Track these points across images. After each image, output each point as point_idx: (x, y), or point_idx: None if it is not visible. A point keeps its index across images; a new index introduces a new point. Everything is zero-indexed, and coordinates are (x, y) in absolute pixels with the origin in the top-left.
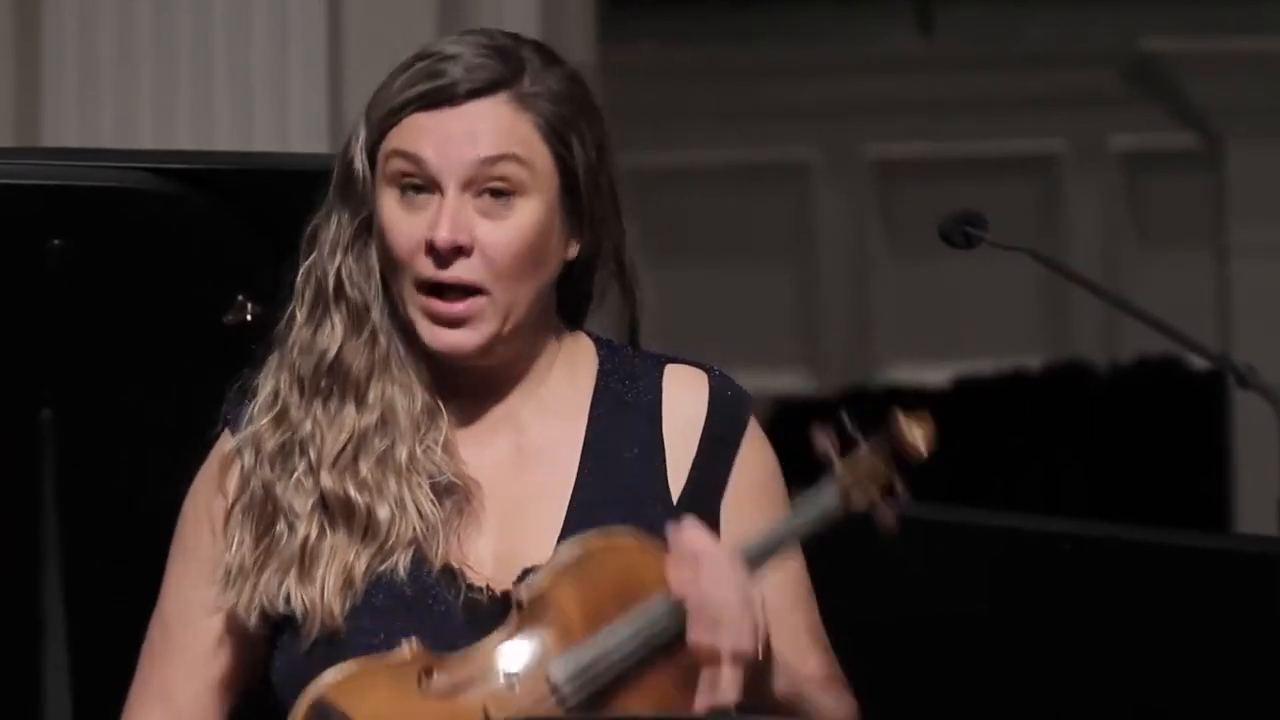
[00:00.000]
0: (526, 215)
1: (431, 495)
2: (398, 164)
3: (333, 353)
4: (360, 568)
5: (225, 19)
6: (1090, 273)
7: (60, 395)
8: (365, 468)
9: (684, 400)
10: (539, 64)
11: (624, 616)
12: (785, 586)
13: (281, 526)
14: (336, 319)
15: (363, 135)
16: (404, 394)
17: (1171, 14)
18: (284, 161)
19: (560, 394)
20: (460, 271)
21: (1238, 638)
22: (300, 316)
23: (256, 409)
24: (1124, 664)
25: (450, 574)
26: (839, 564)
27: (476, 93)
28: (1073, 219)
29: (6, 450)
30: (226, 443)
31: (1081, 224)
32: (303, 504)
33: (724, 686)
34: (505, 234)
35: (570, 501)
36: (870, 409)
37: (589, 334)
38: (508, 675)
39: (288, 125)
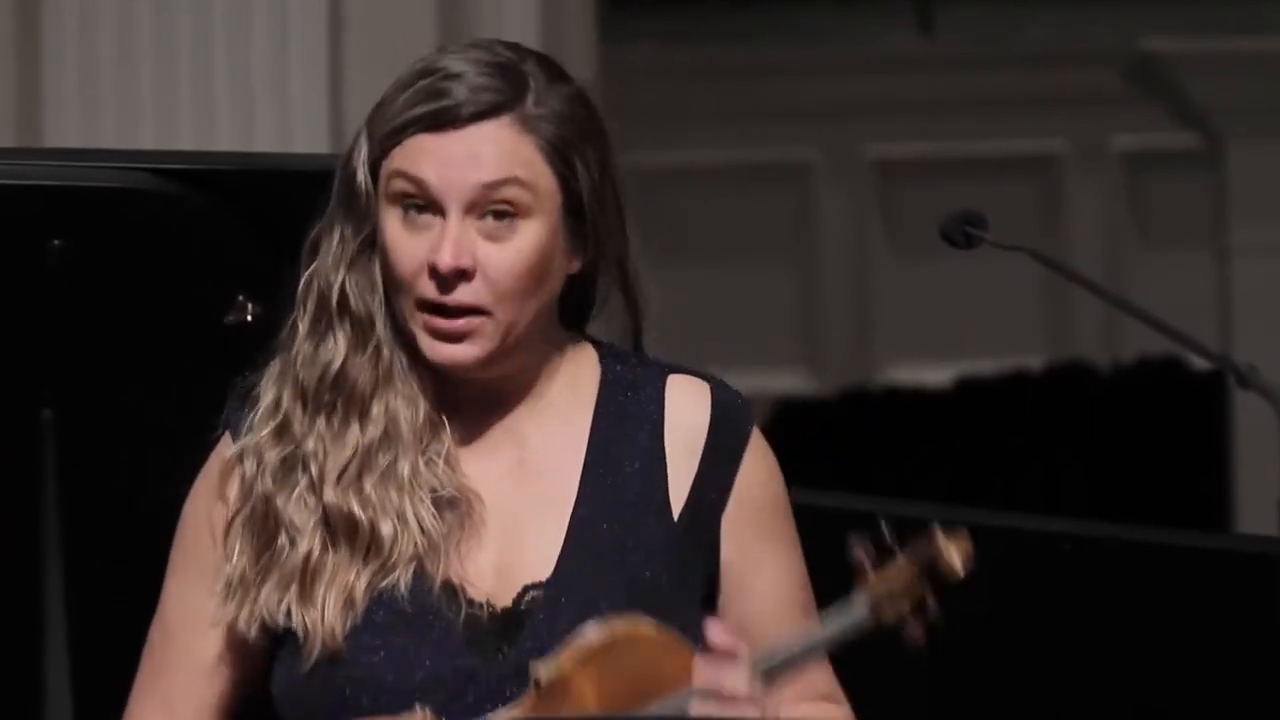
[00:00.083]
0: (529, 237)
1: (433, 509)
2: (400, 184)
3: (336, 367)
4: (361, 585)
5: (226, 19)
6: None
7: (61, 396)
8: (369, 484)
9: (686, 412)
10: (543, 81)
11: (640, 710)
12: (787, 596)
13: (283, 541)
14: (340, 333)
15: (365, 149)
16: (407, 405)
17: (1172, 14)
18: (284, 162)
19: (562, 405)
20: (463, 295)
21: (1238, 638)
22: (303, 328)
23: (258, 418)
24: (1124, 664)
25: (451, 590)
26: (839, 564)
27: (480, 115)
28: (1073, 219)
29: (7, 450)
30: (227, 448)
31: (1082, 224)
32: (304, 519)
33: None
34: (508, 256)
35: (571, 516)
36: (871, 409)
37: (591, 340)
38: None
39: (288, 125)
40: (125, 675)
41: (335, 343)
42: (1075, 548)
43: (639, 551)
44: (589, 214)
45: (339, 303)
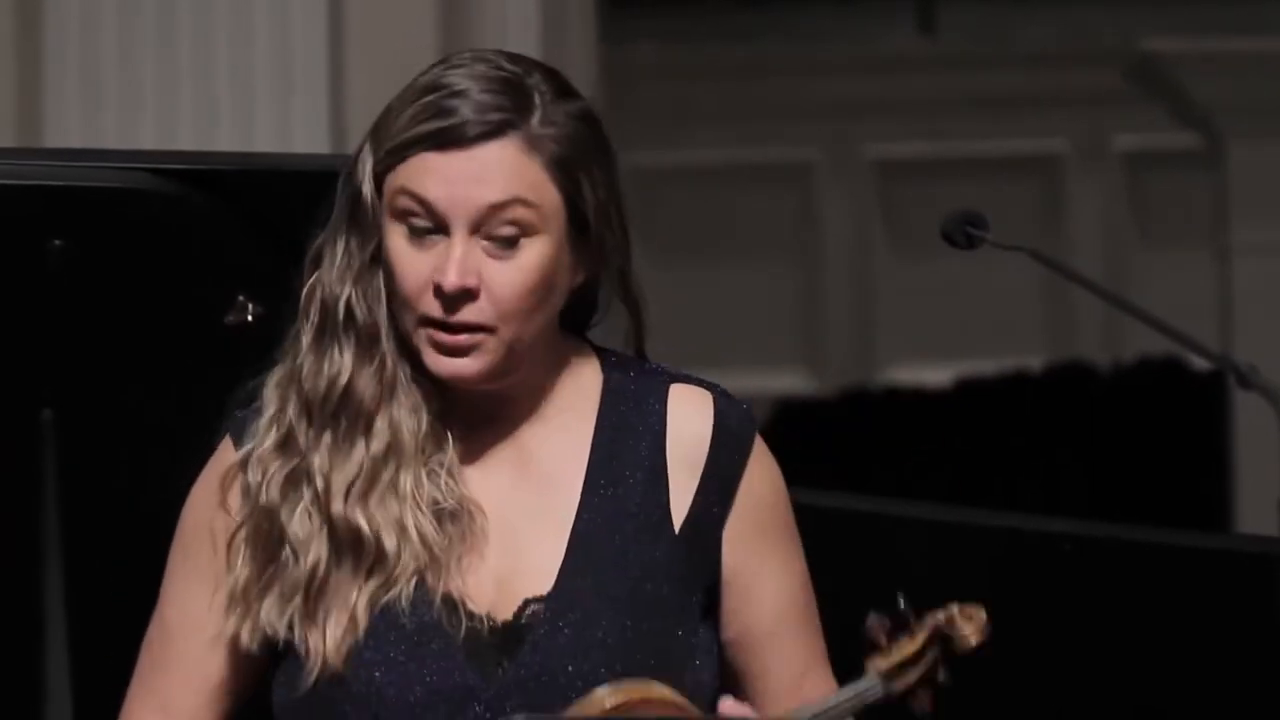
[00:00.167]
0: (534, 255)
1: (434, 522)
2: (404, 202)
3: (343, 382)
4: (365, 602)
5: (226, 19)
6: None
7: (61, 396)
8: (374, 499)
9: (688, 423)
10: (549, 97)
11: None
12: (789, 604)
13: (286, 555)
14: (346, 347)
15: (370, 162)
16: (411, 416)
17: (1173, 14)
18: (285, 162)
19: (564, 416)
20: (468, 315)
21: (1238, 638)
22: (306, 339)
23: (262, 429)
24: (1124, 664)
25: (451, 604)
26: (839, 564)
27: (486, 135)
28: (1074, 219)
29: (7, 450)
30: (228, 454)
31: (1083, 224)
32: (309, 534)
33: None
34: (513, 275)
35: (572, 528)
36: (871, 409)
37: (593, 346)
38: None
39: (289, 126)
40: (125, 675)
41: (341, 356)
42: (1075, 548)
43: (640, 564)
44: (594, 230)
45: (346, 316)
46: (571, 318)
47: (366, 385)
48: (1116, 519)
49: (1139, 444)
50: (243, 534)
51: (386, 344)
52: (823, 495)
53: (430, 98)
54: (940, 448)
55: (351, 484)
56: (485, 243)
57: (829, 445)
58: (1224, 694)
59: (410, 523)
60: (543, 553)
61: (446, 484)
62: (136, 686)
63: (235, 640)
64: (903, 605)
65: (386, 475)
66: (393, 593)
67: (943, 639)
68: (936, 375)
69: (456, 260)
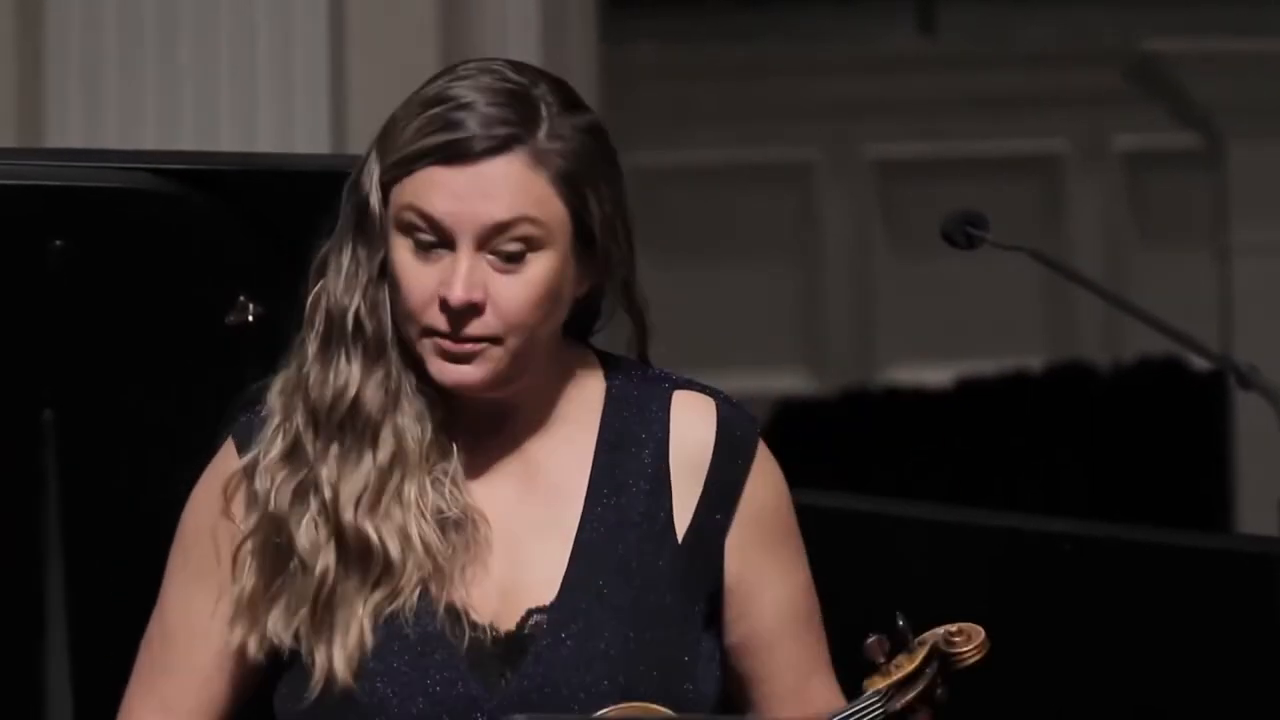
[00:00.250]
0: (540, 269)
1: (439, 531)
2: (410, 217)
3: (351, 394)
4: (372, 613)
5: (228, 19)
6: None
7: (62, 396)
8: (381, 509)
9: (692, 430)
10: (557, 109)
11: None
12: (791, 610)
13: (294, 566)
14: (354, 358)
15: (376, 172)
16: (415, 424)
17: (1173, 14)
18: (286, 162)
19: (567, 425)
20: (474, 329)
21: (1238, 638)
22: (312, 348)
23: (267, 437)
24: (1124, 664)
25: (454, 614)
26: (839, 564)
27: (492, 151)
28: (1074, 219)
29: (8, 451)
30: (231, 459)
31: (1083, 224)
32: (317, 545)
33: None
34: (519, 289)
35: (575, 538)
36: (871, 410)
37: (596, 352)
38: None
39: (290, 126)
40: (125, 675)
41: (349, 367)
42: (1075, 548)
43: (643, 574)
44: (599, 243)
45: (354, 327)
46: (574, 324)
47: (373, 395)
48: (1116, 519)
49: (1139, 444)
50: (249, 544)
51: (392, 353)
52: (823, 495)
53: (436, 110)
54: (940, 448)
55: (360, 494)
56: (491, 257)
57: (829, 445)
58: (1224, 694)
59: (414, 532)
60: (546, 563)
61: (451, 493)
62: (136, 685)
63: (242, 649)
64: (901, 624)
65: (392, 484)
66: (397, 603)
67: (941, 657)
68: (937, 375)
69: (462, 275)
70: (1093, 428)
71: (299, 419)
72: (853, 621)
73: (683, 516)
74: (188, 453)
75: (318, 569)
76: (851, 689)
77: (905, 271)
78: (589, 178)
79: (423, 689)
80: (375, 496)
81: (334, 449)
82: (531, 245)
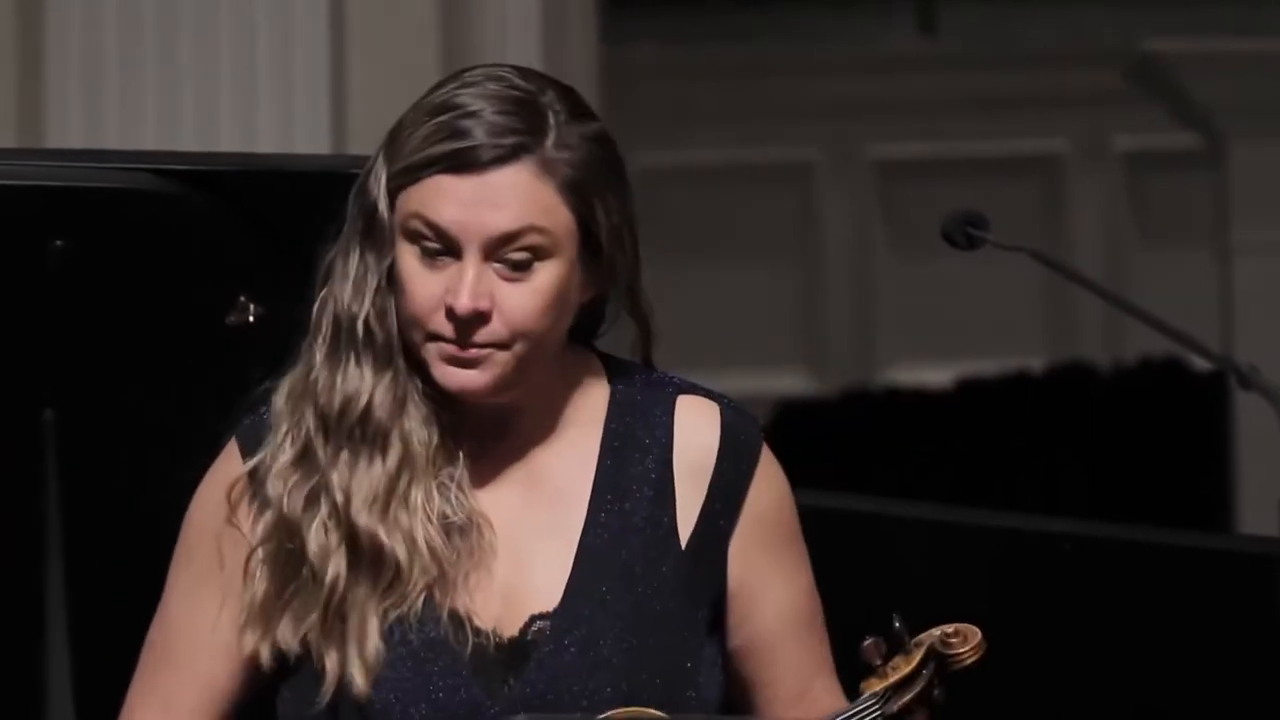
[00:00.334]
0: (547, 277)
1: (444, 536)
2: (416, 225)
3: (364, 400)
4: (380, 620)
5: (228, 19)
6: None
7: (62, 396)
8: (391, 513)
9: (696, 435)
10: (564, 117)
11: None
12: (794, 614)
13: (306, 573)
14: (365, 364)
15: (384, 178)
16: (422, 428)
17: (1174, 14)
18: (286, 163)
19: (571, 430)
20: (480, 336)
21: (1238, 638)
22: (320, 353)
23: (277, 441)
24: (1124, 664)
25: (458, 620)
26: (839, 564)
27: (500, 160)
28: (1075, 219)
29: (9, 451)
30: (235, 462)
31: (1084, 224)
32: (328, 550)
33: None
34: (526, 297)
35: (579, 545)
36: (871, 410)
37: (600, 355)
38: None
39: (290, 126)
40: (126, 674)
41: (359, 373)
42: (1075, 548)
43: (647, 580)
44: (606, 251)
45: (365, 333)
46: (579, 329)
47: (382, 400)
48: (1116, 519)
49: (1140, 444)
50: (262, 551)
51: (399, 358)
52: (823, 496)
53: (443, 118)
54: (941, 448)
55: (372, 500)
56: (498, 265)
57: (829, 445)
58: (1224, 694)
59: (420, 536)
60: (550, 569)
61: (456, 498)
62: (138, 686)
63: (253, 656)
64: (898, 625)
65: (400, 489)
66: (402, 608)
67: (938, 658)
68: (937, 375)
69: (469, 284)
70: (1093, 428)
71: (309, 424)
72: (852, 622)
73: (686, 522)
74: (188, 453)
75: (329, 574)
76: (851, 690)
77: (906, 272)
78: (596, 187)
79: (425, 695)
80: (385, 501)
81: (345, 454)
82: (538, 254)
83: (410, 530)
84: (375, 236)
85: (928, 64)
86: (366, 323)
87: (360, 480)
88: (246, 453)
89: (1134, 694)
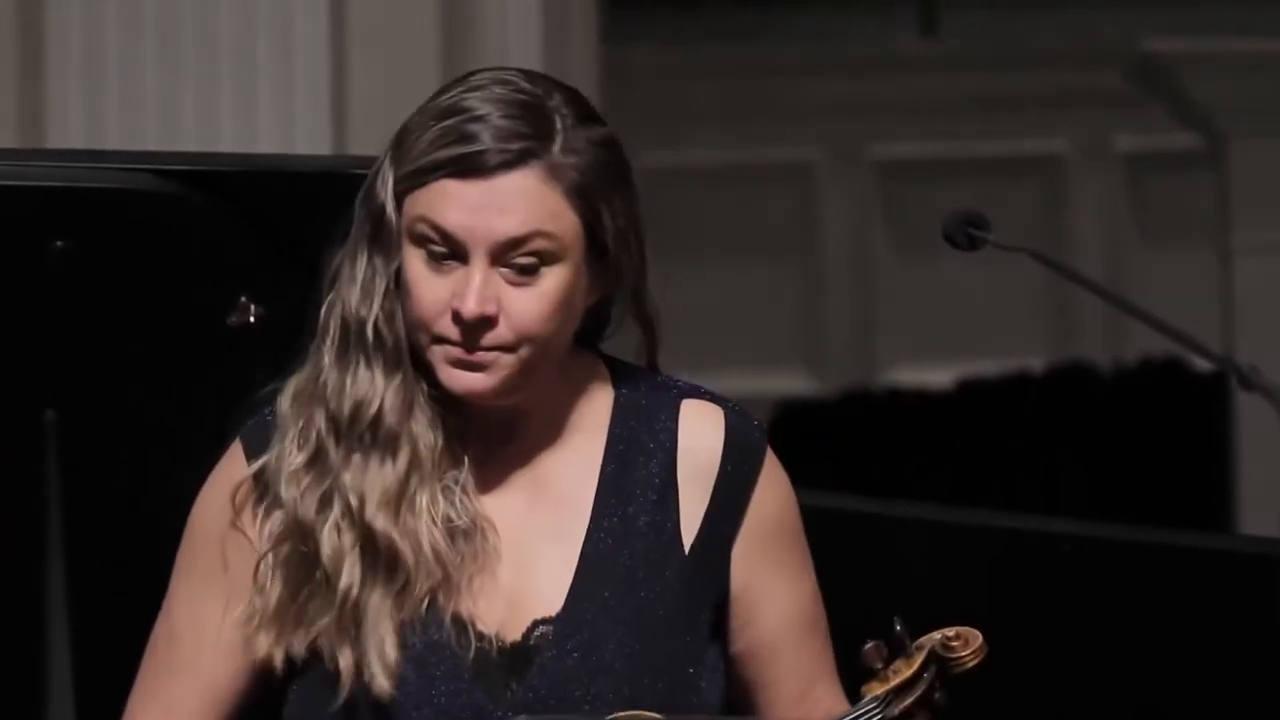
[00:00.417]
0: (553, 282)
1: (448, 539)
2: (423, 229)
3: (375, 405)
4: (394, 624)
5: (228, 19)
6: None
7: (63, 396)
8: (401, 515)
9: (700, 439)
10: (571, 122)
11: None
12: (797, 619)
13: (320, 577)
14: (375, 368)
15: (391, 181)
16: (429, 431)
17: (1174, 14)
18: (287, 163)
19: (575, 434)
20: (487, 340)
21: (1238, 638)
22: (329, 356)
23: (287, 444)
24: (1124, 664)
25: (461, 624)
26: (839, 564)
27: (507, 165)
28: (1076, 220)
29: (9, 451)
30: (240, 464)
31: (1085, 225)
32: (341, 554)
33: None
34: (532, 301)
35: (582, 549)
36: (872, 410)
37: (605, 359)
38: None
39: (291, 126)
40: (128, 676)
41: (369, 376)
42: (1075, 548)
43: (649, 585)
44: (612, 255)
45: (374, 337)
46: (584, 332)
47: (391, 403)
48: (1117, 519)
49: (1140, 445)
50: (275, 555)
51: (406, 361)
52: (823, 496)
53: (450, 122)
54: (941, 449)
55: (384, 502)
56: (504, 270)
57: (830, 446)
58: (1224, 694)
59: (426, 540)
60: (553, 573)
61: (461, 501)
62: (140, 688)
63: (267, 660)
64: (898, 628)
65: (408, 492)
66: (407, 611)
67: (939, 661)
68: (938, 376)
69: (475, 289)
70: (1094, 428)
71: (319, 426)
72: (853, 623)
73: (690, 526)
74: (188, 453)
75: (343, 577)
76: (852, 691)
77: (906, 272)
78: (603, 191)
79: (428, 699)
80: (395, 504)
81: (356, 457)
82: (545, 259)
83: (416, 533)
84: (382, 240)
85: (928, 64)
86: (375, 326)
87: (373, 482)
88: (251, 455)
89: (1134, 694)
